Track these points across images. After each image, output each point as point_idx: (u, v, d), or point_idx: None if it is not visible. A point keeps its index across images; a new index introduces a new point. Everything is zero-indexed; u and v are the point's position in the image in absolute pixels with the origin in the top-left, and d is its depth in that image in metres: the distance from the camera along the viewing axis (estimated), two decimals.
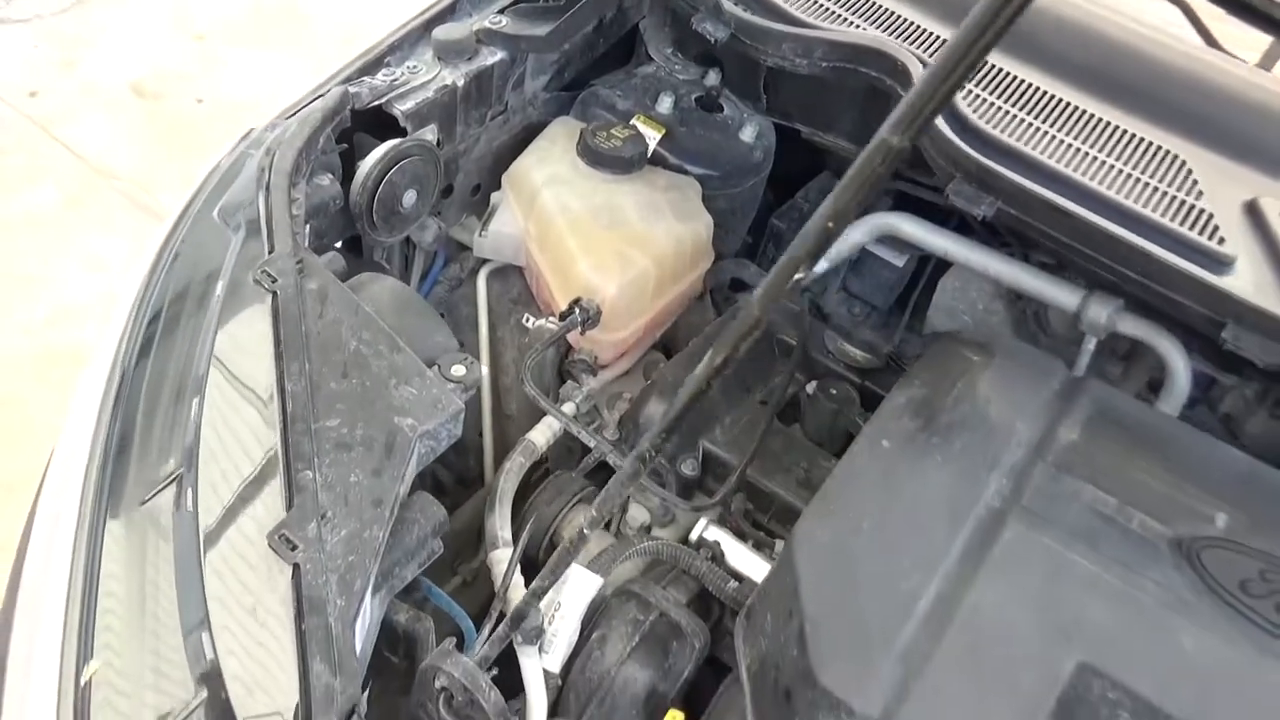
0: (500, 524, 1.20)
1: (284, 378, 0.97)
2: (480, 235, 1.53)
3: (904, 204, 1.60)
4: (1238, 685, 0.88)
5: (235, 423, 0.96)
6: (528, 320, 1.51)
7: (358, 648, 0.89)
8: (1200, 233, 1.10)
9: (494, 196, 1.57)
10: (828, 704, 0.90)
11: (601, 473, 1.37)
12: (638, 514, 1.32)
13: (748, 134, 1.64)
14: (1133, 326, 1.38)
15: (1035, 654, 0.90)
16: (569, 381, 1.44)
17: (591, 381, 1.43)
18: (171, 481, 0.91)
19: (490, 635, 0.99)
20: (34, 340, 2.88)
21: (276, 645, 0.82)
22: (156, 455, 0.94)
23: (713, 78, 1.70)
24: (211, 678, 0.80)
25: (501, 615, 1.02)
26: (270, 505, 0.90)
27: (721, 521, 1.25)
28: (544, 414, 1.33)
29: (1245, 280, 1.07)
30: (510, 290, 1.61)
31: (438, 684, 0.94)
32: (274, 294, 1.04)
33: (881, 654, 0.91)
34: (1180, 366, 1.34)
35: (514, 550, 1.14)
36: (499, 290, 1.61)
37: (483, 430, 1.54)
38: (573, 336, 1.39)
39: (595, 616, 1.15)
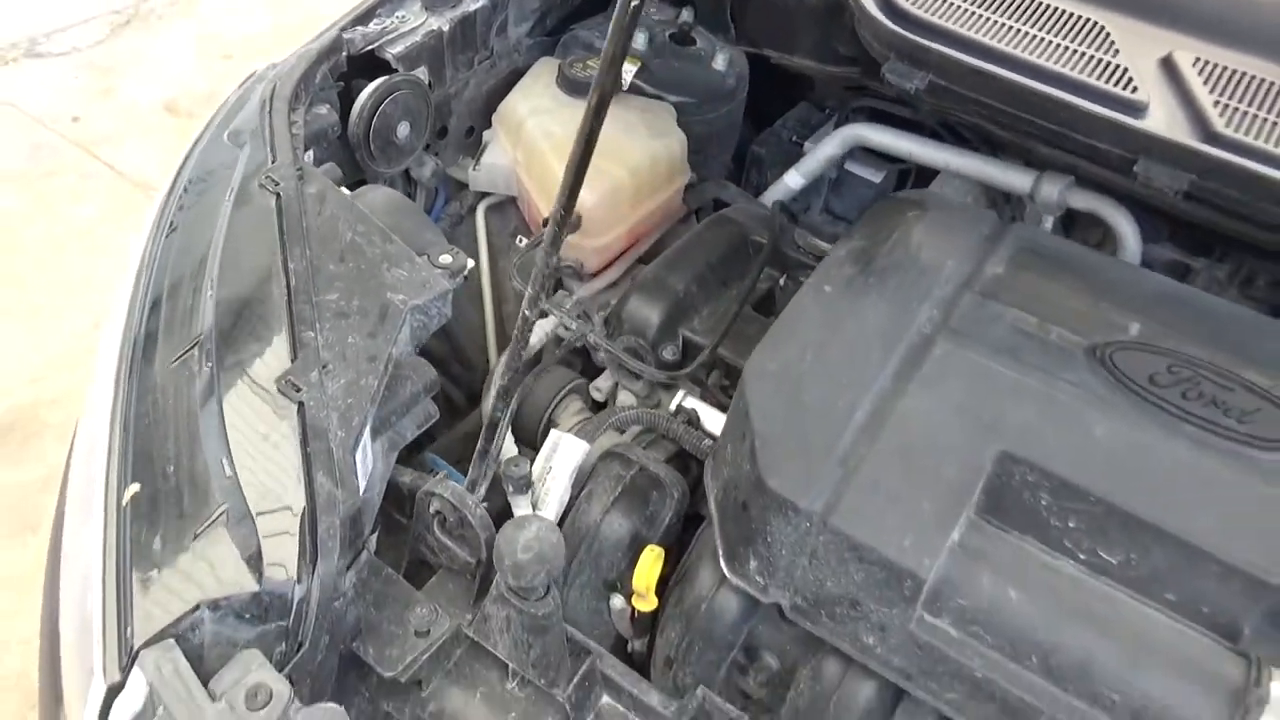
0: (490, 405, 1.34)
1: (287, 259, 1.13)
2: (474, 169, 1.68)
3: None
4: (1144, 460, 0.99)
5: (247, 298, 1.12)
6: (520, 240, 1.65)
7: (360, 480, 1.03)
8: (1115, 84, 1.21)
9: (485, 135, 1.73)
10: (776, 506, 1.03)
11: (589, 366, 1.51)
12: (625, 398, 1.45)
13: (720, 63, 1.78)
14: (1082, 200, 1.49)
15: (960, 448, 1.01)
16: (560, 291, 1.58)
17: (581, 288, 1.57)
18: (194, 345, 1.07)
19: (480, 470, 1.13)
20: (85, 343, 3.12)
21: (287, 464, 0.97)
22: (181, 327, 1.10)
23: (686, 15, 1.84)
24: (231, 490, 0.95)
25: (486, 450, 1.15)
26: (279, 360, 1.05)
27: (699, 396, 1.37)
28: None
29: (1157, 121, 1.17)
30: (508, 224, 1.77)
31: (432, 508, 1.08)
32: (277, 195, 1.20)
33: (822, 459, 1.03)
34: (1129, 231, 1.45)
35: (505, 416, 1.27)
36: (497, 224, 1.76)
37: (489, 355, 1.69)
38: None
39: (585, 479, 1.29)
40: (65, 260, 3.36)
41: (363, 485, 1.05)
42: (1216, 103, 1.18)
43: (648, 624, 1.25)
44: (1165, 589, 0.96)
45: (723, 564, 1.10)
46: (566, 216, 1.00)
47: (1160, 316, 1.09)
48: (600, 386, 1.47)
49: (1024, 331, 1.09)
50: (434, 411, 1.21)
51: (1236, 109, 1.18)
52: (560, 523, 1.26)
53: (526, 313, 1.07)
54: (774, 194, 1.78)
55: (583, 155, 0.97)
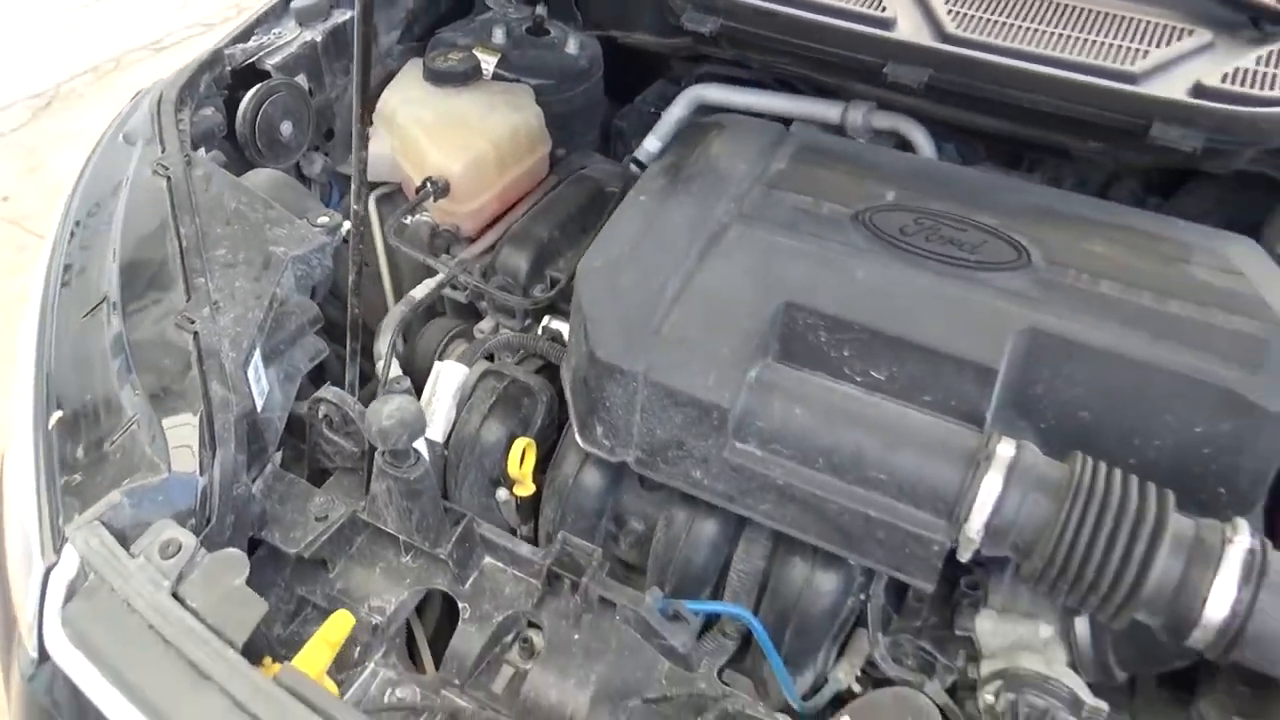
0: (384, 347, 1.55)
1: (178, 226, 1.34)
2: None
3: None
4: (897, 292, 1.21)
5: (145, 260, 1.32)
6: (405, 219, 1.87)
7: (256, 396, 1.23)
8: (868, 6, 1.46)
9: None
10: (608, 373, 1.24)
11: (472, 318, 1.72)
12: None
13: (572, 47, 2.02)
14: (884, 120, 1.73)
15: (750, 303, 1.23)
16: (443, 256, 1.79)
17: (460, 251, 1.78)
18: (102, 301, 1.27)
19: (355, 372, 1.34)
20: None
21: (186, 381, 1.17)
22: (91, 290, 1.30)
23: (540, 9, 2.08)
24: (139, 404, 1.15)
25: (356, 352, 1.35)
26: (176, 303, 1.26)
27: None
28: None
29: (903, 31, 1.42)
30: (398, 210, 1.98)
31: (320, 413, 1.28)
32: (167, 178, 1.41)
33: (640, 330, 1.24)
34: (924, 142, 1.70)
35: (388, 348, 1.48)
36: (388, 211, 1.97)
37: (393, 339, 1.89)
38: (437, 213, 1.75)
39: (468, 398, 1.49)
40: (9, 327, 3.53)
41: (259, 403, 1.25)
42: (950, 11, 1.43)
43: (530, 509, 1.45)
44: (923, 392, 1.18)
45: (576, 436, 1.31)
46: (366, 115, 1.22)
47: (911, 185, 1.33)
48: (483, 328, 1.68)
49: (801, 209, 1.32)
50: (324, 348, 1.41)
51: (967, 15, 1.43)
52: (449, 439, 1.46)
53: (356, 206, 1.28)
54: (635, 156, 2.01)
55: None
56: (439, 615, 1.40)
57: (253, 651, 0.98)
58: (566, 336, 1.54)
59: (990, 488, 1.07)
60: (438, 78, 1.86)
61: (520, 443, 1.38)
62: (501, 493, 1.43)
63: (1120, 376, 1.13)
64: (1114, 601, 1.03)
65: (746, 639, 1.32)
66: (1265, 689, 1.12)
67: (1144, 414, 1.13)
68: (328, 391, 1.28)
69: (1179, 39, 1.37)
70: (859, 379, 1.21)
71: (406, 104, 1.84)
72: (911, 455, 1.12)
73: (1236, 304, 1.15)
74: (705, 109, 2.02)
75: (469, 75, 1.87)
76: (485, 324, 1.69)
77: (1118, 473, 1.06)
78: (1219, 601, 0.98)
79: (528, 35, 2.04)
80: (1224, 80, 1.30)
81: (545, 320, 1.57)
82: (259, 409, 1.26)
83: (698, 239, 1.31)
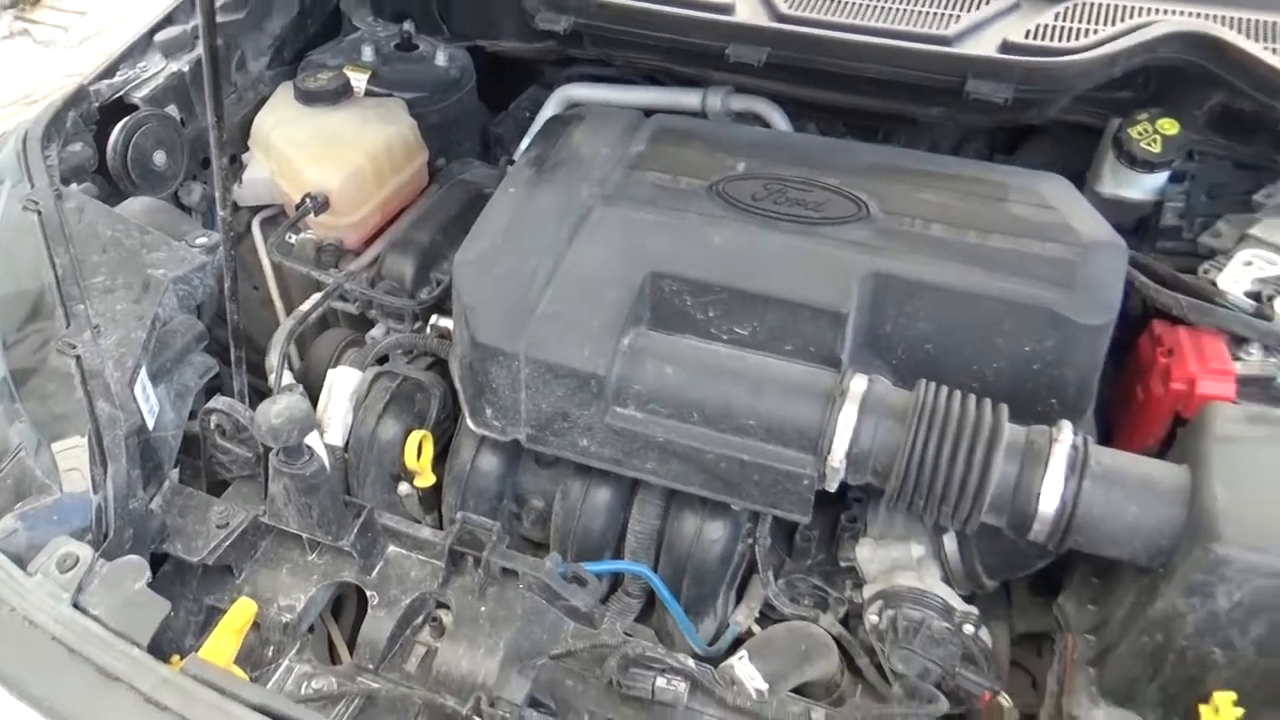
0: (274, 358, 1.58)
1: (52, 256, 1.36)
2: (238, 187, 1.93)
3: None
4: (751, 253, 1.31)
5: (20, 294, 1.34)
6: (290, 238, 1.90)
7: (146, 414, 1.26)
8: None
9: (244, 157, 1.98)
10: (490, 355, 1.30)
11: (364, 327, 1.76)
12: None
13: (441, 59, 2.08)
14: (741, 103, 1.84)
15: (617, 276, 1.31)
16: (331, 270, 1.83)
17: (348, 264, 1.82)
18: None
19: (241, 379, 1.37)
20: None
21: (73, 403, 1.20)
22: None
23: (408, 26, 2.14)
24: (26, 432, 1.17)
25: (240, 359, 1.39)
26: (55, 331, 1.28)
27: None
28: None
29: (741, 14, 1.52)
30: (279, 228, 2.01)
31: (213, 423, 1.32)
32: (38, 213, 1.42)
33: (516, 312, 1.31)
34: (779, 120, 1.81)
35: (280, 361, 1.51)
36: (271, 233, 2.00)
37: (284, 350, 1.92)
38: (320, 228, 1.79)
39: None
40: None
41: (150, 421, 1.28)
42: None
43: (433, 501, 1.50)
44: (783, 342, 1.27)
45: (468, 420, 1.37)
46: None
47: (759, 155, 1.43)
48: (374, 335, 1.73)
49: (660, 186, 1.40)
50: (213, 364, 1.45)
51: None
52: (349, 442, 1.51)
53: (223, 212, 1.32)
54: (513, 159, 2.07)
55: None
56: (356, 610, 1.44)
57: (159, 650, 1.01)
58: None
59: (847, 420, 1.17)
60: (309, 98, 1.90)
61: (416, 435, 1.44)
62: (403, 487, 1.47)
63: (955, 308, 1.24)
64: (963, 509, 1.13)
65: (651, 598, 1.40)
66: (1111, 578, 1.24)
67: (979, 340, 1.24)
68: (218, 401, 1.32)
69: (988, 2, 1.50)
70: (725, 337, 1.29)
71: (280, 126, 1.88)
72: (776, 400, 1.21)
73: (1049, 233, 1.28)
74: (575, 108, 2.10)
75: (340, 93, 1.91)
76: (376, 331, 1.73)
77: (956, 393, 1.17)
78: (1050, 495, 1.09)
79: (397, 51, 2.10)
80: (1027, 36, 1.43)
81: (434, 319, 1.62)
82: (150, 427, 1.28)
83: (565, 223, 1.38)
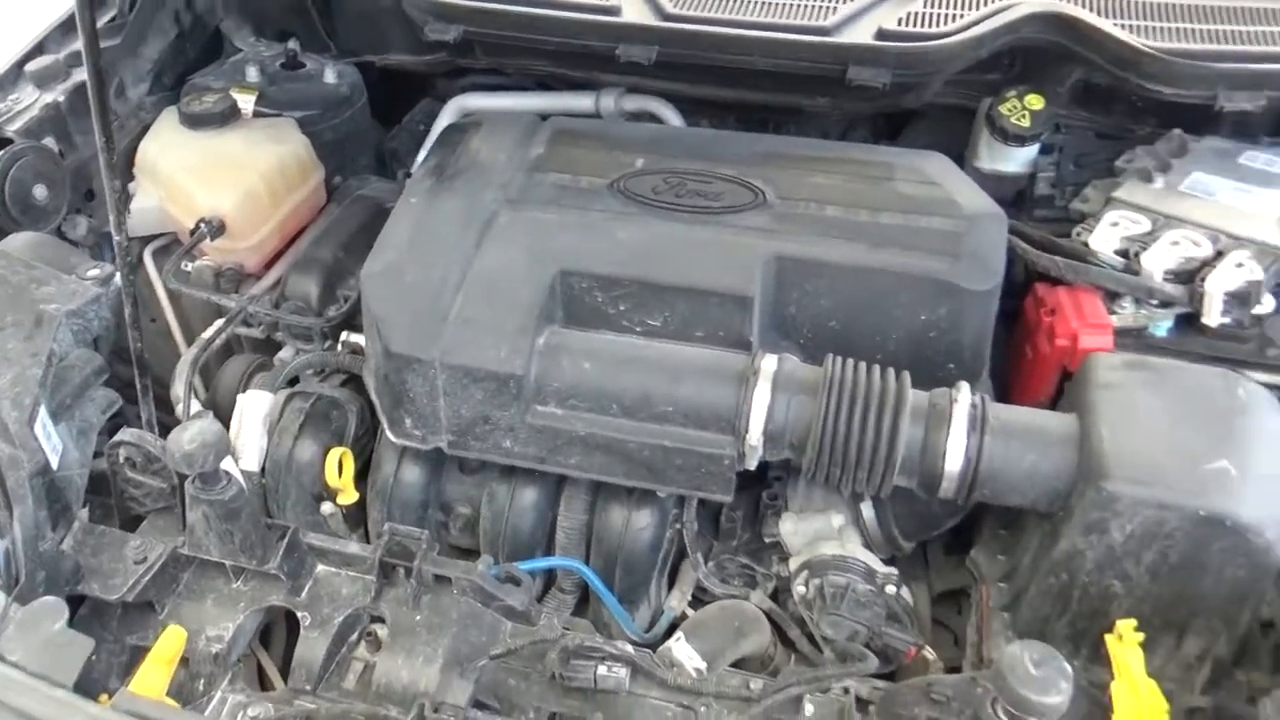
0: (179, 388, 1.55)
1: None
2: (127, 217, 1.87)
3: None
4: (656, 245, 1.34)
5: None
6: (186, 265, 1.86)
7: (49, 453, 1.22)
8: None
9: (131, 186, 1.92)
10: (405, 365, 1.31)
11: (271, 351, 1.74)
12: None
13: (330, 76, 2.06)
14: (633, 102, 1.88)
15: (528, 277, 1.33)
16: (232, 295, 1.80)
17: (250, 288, 1.79)
18: None
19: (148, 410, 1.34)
20: None
21: None
22: None
23: (293, 44, 2.11)
24: None
25: (146, 387, 1.36)
26: None
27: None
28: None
29: (629, 15, 1.56)
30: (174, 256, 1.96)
31: (121, 456, 1.28)
32: None
33: (428, 319, 1.31)
34: (672, 117, 1.85)
35: (186, 390, 1.48)
36: (166, 262, 1.95)
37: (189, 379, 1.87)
38: (217, 253, 1.76)
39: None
40: None
41: (54, 460, 1.24)
42: None
43: (358, 517, 1.49)
44: (694, 329, 1.31)
45: (388, 432, 1.36)
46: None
47: (656, 151, 1.47)
48: (283, 357, 1.70)
49: (562, 186, 1.43)
50: (116, 399, 1.41)
51: None
52: (264, 467, 1.48)
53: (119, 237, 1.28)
54: (411, 172, 2.07)
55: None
56: (287, 634, 1.41)
57: (86, 692, 0.99)
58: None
59: (761, 398, 1.21)
60: (195, 121, 1.86)
61: (336, 452, 1.42)
62: (326, 506, 1.46)
63: (854, 285, 1.30)
64: (876, 474, 1.19)
65: (585, 591, 1.42)
66: (1016, 528, 1.32)
67: (879, 313, 1.30)
68: (126, 434, 1.28)
69: None
70: (638, 329, 1.33)
71: (167, 151, 1.83)
72: (691, 385, 1.25)
73: (934, 208, 1.35)
74: (470, 116, 2.11)
75: (227, 115, 1.88)
76: (285, 352, 1.71)
77: (861, 365, 1.23)
78: (954, 453, 1.16)
79: (283, 70, 2.07)
80: (900, 23, 1.51)
81: (344, 336, 1.61)
82: (55, 466, 1.24)
83: (470, 228, 1.40)
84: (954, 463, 1.16)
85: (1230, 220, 1.35)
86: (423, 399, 1.31)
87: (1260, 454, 1.11)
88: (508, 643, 1.23)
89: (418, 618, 1.24)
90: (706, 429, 1.24)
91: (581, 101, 1.91)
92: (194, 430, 1.15)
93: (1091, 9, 1.49)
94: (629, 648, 1.21)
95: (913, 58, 1.46)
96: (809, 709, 1.15)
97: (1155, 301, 1.34)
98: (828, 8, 1.56)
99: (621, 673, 1.18)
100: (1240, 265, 1.29)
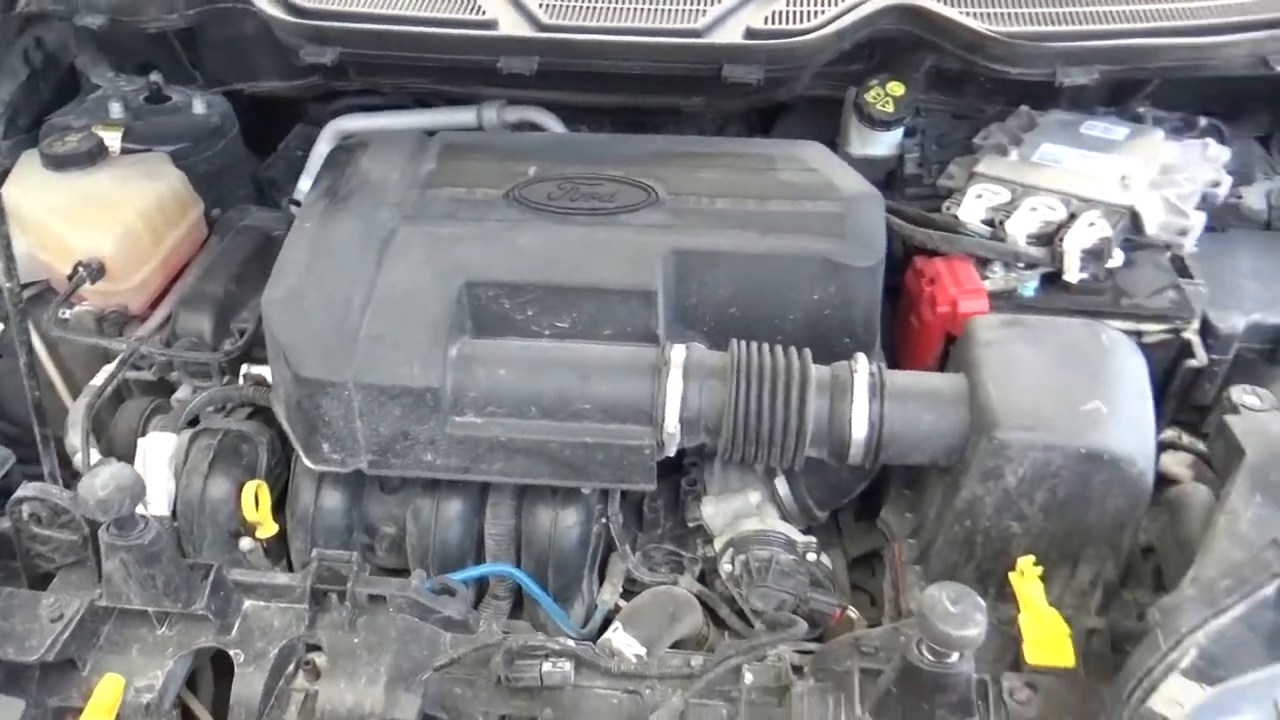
0: (76, 438, 1.49)
1: None
2: (6, 263, 1.79)
3: None
4: (557, 250, 1.38)
5: None
6: (63, 313, 1.79)
7: None
8: (470, 13, 1.62)
9: None
10: (318, 389, 1.30)
11: (165, 393, 1.69)
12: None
13: (199, 107, 2.01)
14: (515, 114, 1.91)
15: (434, 291, 1.35)
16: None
17: (136, 330, 1.74)
18: None
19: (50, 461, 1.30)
20: None
21: None
22: None
23: (155, 77, 2.05)
24: None
25: (46, 438, 1.32)
26: None
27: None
28: None
29: (506, 28, 1.59)
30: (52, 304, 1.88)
31: (24, 513, 1.24)
32: None
33: (337, 341, 1.32)
34: (554, 124, 1.89)
35: (83, 439, 1.44)
36: (43, 311, 1.87)
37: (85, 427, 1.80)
38: (98, 297, 1.70)
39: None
40: None
41: None
42: (541, 5, 1.63)
43: (279, 550, 1.47)
44: (602, 328, 1.35)
45: (305, 460, 1.36)
46: None
47: (546, 158, 1.51)
48: (180, 397, 1.66)
49: (458, 200, 1.45)
50: (6, 454, 1.35)
51: (556, 5, 1.63)
52: (174, 510, 1.45)
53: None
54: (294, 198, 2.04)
55: None
56: (215, 678, 1.39)
57: None
58: (269, 376, 1.57)
59: (674, 387, 1.27)
60: (60, 163, 1.80)
61: (251, 485, 1.41)
62: (245, 542, 1.44)
63: (749, 271, 1.37)
64: (789, 448, 1.26)
65: (519, 595, 1.44)
66: (920, 485, 1.41)
67: (775, 295, 1.38)
68: (28, 488, 1.24)
69: None
70: (547, 332, 1.36)
71: (31, 195, 1.76)
72: (606, 382, 1.29)
73: (816, 193, 1.44)
74: (351, 138, 2.10)
75: (94, 154, 1.82)
76: (182, 392, 1.67)
77: (765, 346, 1.30)
78: (859, 420, 1.24)
79: (148, 104, 2.02)
80: (766, 21, 1.59)
81: (244, 369, 1.58)
82: None
83: (370, 248, 1.40)
84: (859, 429, 1.24)
85: (1079, 184, 1.48)
86: (339, 422, 1.31)
87: (1125, 392, 1.23)
88: (450, 653, 1.24)
89: (356, 640, 1.24)
90: (625, 422, 1.29)
91: (463, 116, 1.93)
92: (106, 475, 1.13)
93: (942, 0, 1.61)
94: (570, 642, 1.25)
95: (781, 53, 1.55)
96: (748, 677, 1.20)
97: (1021, 264, 1.46)
98: (697, 11, 1.63)
99: (566, 667, 1.21)
100: (1092, 224, 1.41)
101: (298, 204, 1.95)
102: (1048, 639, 1.16)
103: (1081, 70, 1.55)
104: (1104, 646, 1.21)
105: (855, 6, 1.58)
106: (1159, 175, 1.48)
